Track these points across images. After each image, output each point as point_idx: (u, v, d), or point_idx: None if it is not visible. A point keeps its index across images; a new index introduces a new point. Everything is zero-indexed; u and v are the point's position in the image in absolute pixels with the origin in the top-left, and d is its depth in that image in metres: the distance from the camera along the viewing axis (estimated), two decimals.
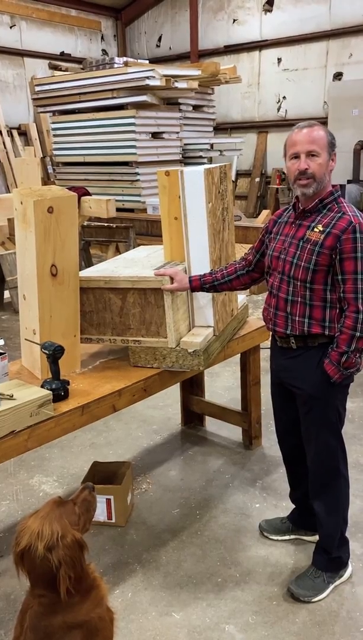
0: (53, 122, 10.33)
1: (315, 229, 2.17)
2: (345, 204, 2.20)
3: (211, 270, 2.63)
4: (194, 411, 3.87)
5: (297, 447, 2.53)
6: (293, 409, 2.43)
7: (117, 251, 7.65)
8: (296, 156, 2.16)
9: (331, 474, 2.39)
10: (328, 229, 2.14)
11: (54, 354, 2.35)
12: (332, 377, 2.20)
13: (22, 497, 3.17)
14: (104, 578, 2.54)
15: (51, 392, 2.25)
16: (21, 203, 2.49)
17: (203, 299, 2.77)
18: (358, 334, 2.13)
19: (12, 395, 2.16)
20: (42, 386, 2.33)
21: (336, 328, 2.20)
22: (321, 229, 2.16)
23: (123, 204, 9.06)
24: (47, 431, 2.22)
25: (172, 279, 2.54)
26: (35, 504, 3.11)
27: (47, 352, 2.36)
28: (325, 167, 2.16)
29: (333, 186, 2.24)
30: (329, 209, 2.20)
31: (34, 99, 10.45)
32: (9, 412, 2.08)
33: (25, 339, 2.65)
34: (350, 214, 2.15)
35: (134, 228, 7.69)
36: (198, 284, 2.57)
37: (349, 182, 10.06)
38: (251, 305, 5.77)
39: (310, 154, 2.14)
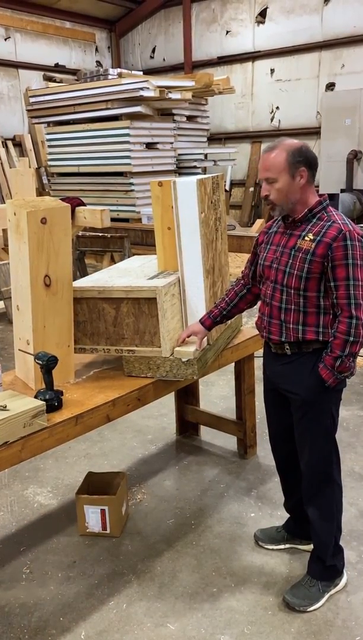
0: (48, 133, 10.38)
1: (306, 238, 2.21)
2: (333, 213, 2.24)
3: (215, 303, 2.69)
4: (189, 420, 3.86)
5: (291, 455, 2.53)
6: (287, 415, 2.44)
7: (112, 261, 7.65)
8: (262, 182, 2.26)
9: (325, 479, 2.39)
10: (319, 237, 2.18)
11: (47, 364, 2.35)
12: (326, 381, 2.22)
13: (17, 508, 3.16)
14: (99, 589, 2.54)
15: (44, 402, 2.25)
16: (15, 214, 2.50)
17: (197, 308, 2.78)
18: (351, 338, 2.15)
19: (6, 406, 2.16)
20: (35, 397, 2.33)
21: (329, 333, 2.23)
22: (312, 237, 2.19)
23: (118, 214, 9.09)
24: (41, 442, 2.21)
25: (188, 335, 2.65)
26: (30, 515, 3.09)
27: (40, 362, 2.36)
28: (287, 190, 2.19)
29: (321, 195, 2.27)
30: (318, 218, 2.23)
31: (28, 110, 10.50)
32: (2, 423, 2.08)
33: (19, 349, 2.65)
34: (339, 222, 2.19)
35: (129, 238, 7.71)
36: (211, 322, 2.63)
37: (342, 191, 10.13)
38: (244, 314, 5.78)
39: (268, 181, 2.21)
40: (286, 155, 2.17)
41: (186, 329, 2.69)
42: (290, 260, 2.24)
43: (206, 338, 2.73)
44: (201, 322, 2.64)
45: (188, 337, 2.66)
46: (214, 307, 2.65)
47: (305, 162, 2.19)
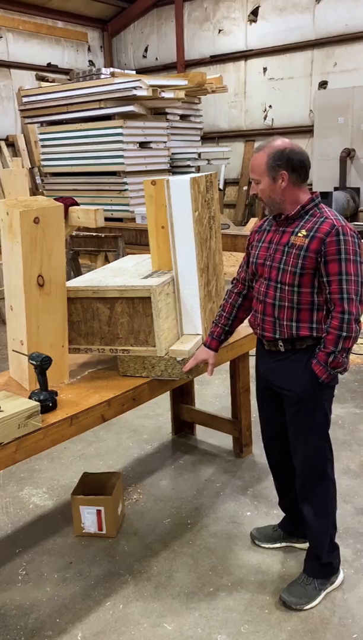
0: (41, 133, 10.34)
1: (299, 234, 2.21)
2: (326, 209, 2.25)
3: (214, 321, 2.63)
4: (185, 420, 3.86)
5: (284, 454, 2.53)
6: (280, 413, 2.44)
7: (107, 261, 7.63)
8: None
9: (319, 475, 2.39)
10: (312, 233, 2.18)
11: (41, 364, 2.34)
12: (319, 377, 2.22)
13: (12, 509, 3.15)
14: (95, 590, 2.53)
15: (38, 403, 2.24)
16: (7, 214, 2.49)
17: (191, 307, 2.77)
18: (344, 333, 2.15)
19: (0, 407, 2.14)
20: (30, 397, 2.32)
21: (323, 329, 2.22)
22: (305, 233, 2.20)
23: (112, 214, 9.07)
24: (36, 443, 2.20)
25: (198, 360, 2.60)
26: (25, 516, 3.08)
27: (34, 363, 2.35)
28: (269, 191, 2.23)
29: (313, 193, 2.28)
30: (311, 214, 2.24)
31: (21, 110, 10.46)
32: None
33: (13, 350, 2.64)
34: (332, 217, 2.20)
35: (123, 237, 7.69)
36: (217, 344, 2.60)
37: (336, 189, 10.14)
38: None
39: (254, 181, 2.26)
40: (267, 159, 2.19)
41: (194, 357, 2.61)
42: (284, 257, 2.24)
43: (199, 338, 2.72)
44: (207, 346, 2.60)
45: (197, 364, 2.61)
46: (214, 327, 2.60)
47: (287, 165, 2.18)
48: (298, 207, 2.24)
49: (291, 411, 2.37)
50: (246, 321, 2.59)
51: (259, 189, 2.25)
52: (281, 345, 2.32)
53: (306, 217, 2.24)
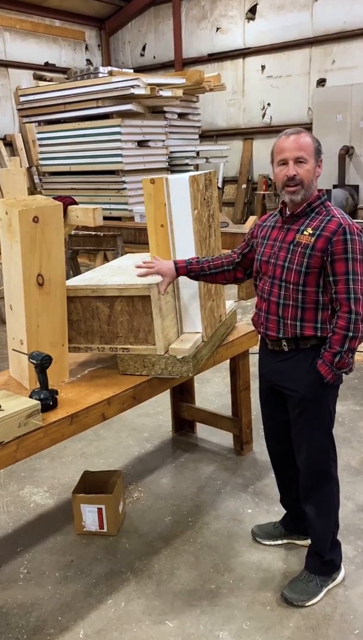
0: (39, 132, 10.34)
1: (305, 232, 2.20)
2: (332, 207, 2.24)
3: (198, 258, 2.57)
4: (185, 418, 3.86)
5: (286, 452, 2.53)
6: (282, 413, 2.44)
7: (106, 260, 7.64)
8: (284, 163, 2.19)
9: (322, 475, 2.39)
10: (318, 232, 2.17)
11: (41, 363, 2.35)
12: (325, 377, 2.21)
13: (13, 508, 3.15)
14: (97, 588, 2.54)
15: (39, 402, 2.24)
16: (6, 213, 2.49)
17: (191, 305, 2.77)
18: (351, 334, 2.15)
19: (0, 406, 2.15)
20: (30, 396, 2.32)
21: (328, 329, 2.22)
22: (310, 232, 2.19)
23: (110, 213, 9.07)
24: (36, 442, 2.21)
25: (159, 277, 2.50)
26: (27, 515, 3.09)
27: (34, 362, 2.36)
28: (313, 174, 2.20)
29: (319, 190, 2.27)
30: (317, 212, 2.23)
31: (19, 110, 10.45)
32: None
33: (13, 349, 2.64)
34: (338, 216, 2.19)
35: (122, 236, 7.69)
36: (185, 272, 2.53)
37: (335, 186, 10.14)
38: (239, 310, 5.78)
39: (298, 161, 2.17)
40: (313, 141, 2.20)
41: (154, 264, 2.50)
42: (289, 255, 2.23)
43: (198, 336, 2.72)
44: (176, 266, 2.50)
45: (154, 273, 2.50)
46: (196, 263, 2.53)
47: (321, 153, 2.24)
48: (305, 204, 2.22)
49: (295, 411, 2.36)
50: (246, 319, 2.59)
51: (305, 169, 2.17)
52: (285, 345, 2.31)
53: (312, 214, 2.22)
